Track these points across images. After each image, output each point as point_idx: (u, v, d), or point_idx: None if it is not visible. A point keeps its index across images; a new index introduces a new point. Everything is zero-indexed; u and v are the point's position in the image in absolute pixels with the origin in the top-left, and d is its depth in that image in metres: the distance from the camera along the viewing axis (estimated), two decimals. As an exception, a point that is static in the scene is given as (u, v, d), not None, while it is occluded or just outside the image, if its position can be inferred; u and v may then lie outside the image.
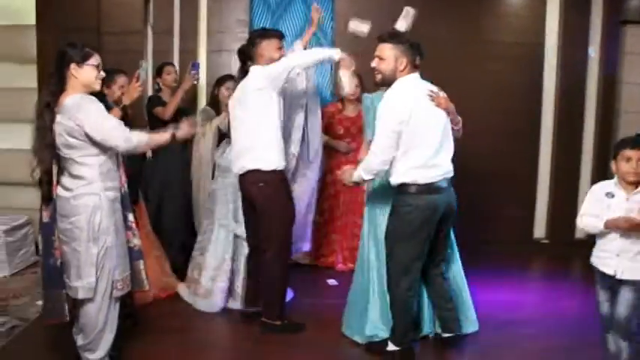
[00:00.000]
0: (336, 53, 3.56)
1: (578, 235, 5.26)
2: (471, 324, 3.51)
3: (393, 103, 3.09)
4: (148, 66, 4.70)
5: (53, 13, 4.82)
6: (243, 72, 3.74)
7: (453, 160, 3.21)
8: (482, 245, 5.25)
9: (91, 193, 2.76)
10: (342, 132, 4.82)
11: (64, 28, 4.63)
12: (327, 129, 4.78)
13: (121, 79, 3.68)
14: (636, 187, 2.75)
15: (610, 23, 5.48)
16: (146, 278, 3.09)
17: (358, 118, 4.66)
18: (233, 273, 3.98)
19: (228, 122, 3.90)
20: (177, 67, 4.86)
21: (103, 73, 2.88)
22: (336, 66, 3.59)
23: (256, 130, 3.51)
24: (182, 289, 4.13)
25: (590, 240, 2.92)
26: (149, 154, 3.57)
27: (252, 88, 3.51)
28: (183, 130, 3.03)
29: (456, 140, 3.24)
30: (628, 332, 2.79)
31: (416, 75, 3.20)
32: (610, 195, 2.79)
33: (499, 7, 5.57)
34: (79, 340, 2.91)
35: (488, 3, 5.58)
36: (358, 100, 4.54)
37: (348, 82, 3.74)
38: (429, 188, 3.10)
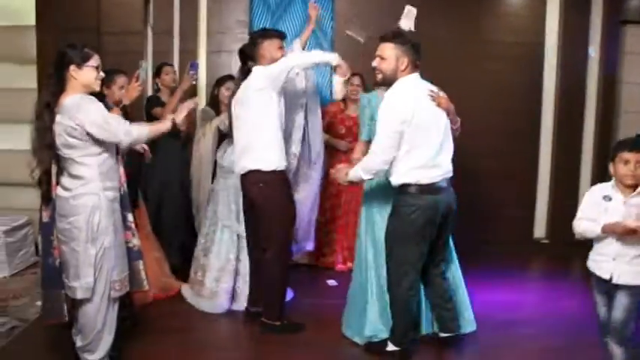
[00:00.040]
0: (334, 59, 3.55)
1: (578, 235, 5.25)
2: (468, 324, 3.50)
3: (395, 103, 3.09)
4: (147, 66, 4.70)
5: (53, 14, 4.82)
6: (244, 72, 3.74)
7: (453, 160, 3.21)
8: (483, 245, 5.25)
9: (90, 193, 2.77)
10: (344, 131, 4.82)
11: (64, 29, 4.64)
12: (329, 128, 4.80)
13: (121, 80, 3.68)
14: (634, 189, 2.71)
15: (610, 23, 5.48)
16: (146, 278, 3.09)
17: (360, 117, 4.67)
18: (236, 273, 3.98)
19: (229, 122, 3.90)
20: (177, 68, 4.86)
21: (102, 74, 2.89)
22: (333, 69, 3.58)
23: (257, 131, 3.51)
24: (185, 290, 4.13)
25: (590, 241, 2.90)
26: (148, 156, 3.56)
27: (253, 88, 3.52)
28: (181, 112, 3.02)
29: (455, 140, 3.24)
30: (623, 338, 2.76)
31: (416, 75, 3.19)
32: (607, 198, 2.74)
33: (499, 6, 5.57)
34: (78, 341, 2.90)
35: (488, 3, 5.58)
36: None
37: (339, 90, 3.77)
38: (430, 188, 3.10)
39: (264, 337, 3.57)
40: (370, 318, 3.41)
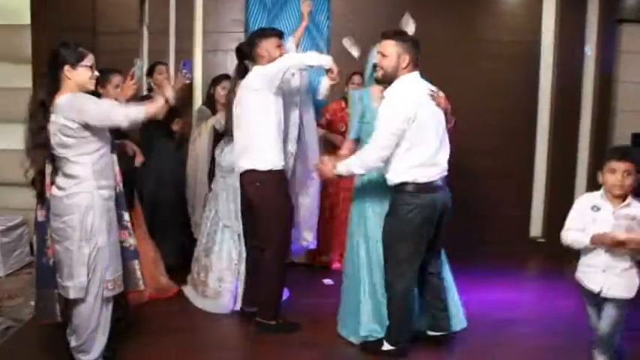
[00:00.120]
0: (327, 62, 3.53)
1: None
2: (459, 322, 3.49)
3: (398, 101, 3.09)
4: (142, 64, 4.69)
5: (48, 13, 4.79)
6: (240, 70, 3.74)
7: (449, 159, 3.21)
8: (479, 244, 5.26)
9: (84, 192, 2.76)
10: (345, 129, 4.80)
11: (60, 28, 4.61)
12: (330, 126, 4.81)
13: (116, 79, 3.67)
14: (623, 200, 2.67)
15: (606, 22, 5.47)
16: (141, 278, 3.08)
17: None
18: (238, 273, 3.97)
19: (226, 121, 3.91)
20: (173, 67, 4.85)
21: (97, 73, 2.89)
22: (325, 71, 3.58)
23: (254, 130, 3.52)
24: (189, 291, 4.12)
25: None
26: (139, 160, 3.55)
27: (250, 88, 3.52)
28: (167, 88, 3.01)
29: (451, 139, 3.24)
30: (609, 348, 2.75)
31: (417, 73, 3.19)
32: (596, 208, 2.70)
33: (495, 5, 5.57)
34: (73, 341, 2.89)
35: (484, 1, 5.58)
36: None
37: (323, 91, 3.80)
38: (428, 187, 3.10)
39: (260, 337, 3.56)
40: (364, 318, 3.40)
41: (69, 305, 2.87)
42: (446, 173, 3.19)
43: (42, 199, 2.84)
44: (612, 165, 2.67)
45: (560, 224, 2.86)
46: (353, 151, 3.41)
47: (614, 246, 2.60)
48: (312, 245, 4.27)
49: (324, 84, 3.76)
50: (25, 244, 4.87)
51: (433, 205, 3.12)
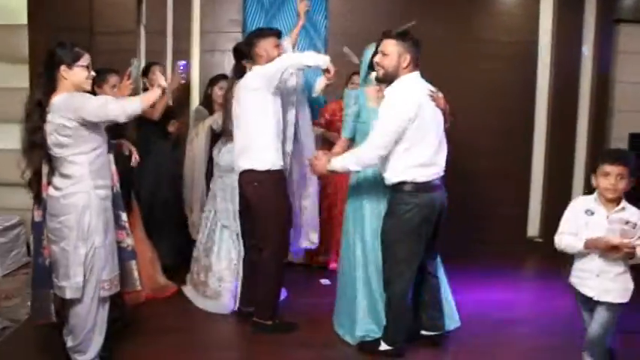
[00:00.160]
0: (324, 62, 3.53)
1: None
2: (453, 321, 3.48)
3: (399, 100, 3.08)
4: (139, 64, 4.69)
5: (45, 13, 4.78)
6: (238, 70, 3.74)
7: (446, 159, 3.21)
8: (476, 244, 5.26)
9: (81, 192, 2.76)
10: None
11: (56, 28, 4.60)
12: (329, 125, 4.81)
13: (113, 79, 3.67)
14: (617, 204, 2.64)
15: (603, 22, 5.48)
16: (138, 279, 3.08)
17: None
18: (237, 272, 3.96)
19: (223, 122, 3.90)
20: (170, 68, 4.85)
21: (93, 73, 2.88)
22: (322, 71, 3.59)
23: (252, 130, 3.52)
24: (189, 291, 4.12)
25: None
26: (135, 159, 3.55)
27: (249, 88, 3.52)
28: (162, 79, 2.99)
29: (448, 139, 3.24)
30: (598, 351, 2.73)
31: (417, 73, 3.19)
32: (589, 212, 2.67)
33: (493, 5, 5.57)
34: (69, 342, 2.89)
35: (481, 1, 5.58)
36: None
37: (318, 89, 3.79)
38: (426, 186, 3.10)
39: (256, 336, 3.56)
40: (360, 318, 3.40)
41: (65, 305, 2.86)
42: (443, 173, 3.19)
43: (39, 199, 2.83)
44: (605, 168, 2.63)
45: (558, 224, 2.85)
46: (346, 149, 3.40)
47: (608, 251, 2.57)
48: (314, 245, 4.28)
49: (320, 83, 3.75)
50: (22, 244, 4.86)
51: (431, 204, 3.12)
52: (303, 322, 3.70)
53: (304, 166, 3.94)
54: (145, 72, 4.66)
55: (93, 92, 3.14)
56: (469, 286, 4.26)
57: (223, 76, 4.56)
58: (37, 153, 2.76)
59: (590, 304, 2.73)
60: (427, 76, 3.26)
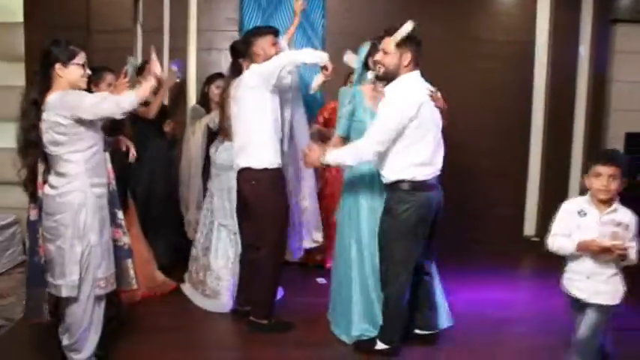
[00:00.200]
0: (322, 59, 3.53)
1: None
2: (446, 320, 3.48)
3: (400, 99, 3.07)
4: (136, 62, 4.68)
5: (41, 11, 4.79)
6: (235, 68, 3.73)
7: (443, 159, 3.21)
8: (473, 243, 5.27)
9: (76, 190, 2.74)
10: None
11: (53, 26, 4.60)
12: (328, 125, 4.80)
13: (109, 77, 3.66)
14: (609, 205, 2.62)
15: (600, 22, 5.49)
16: (134, 277, 3.07)
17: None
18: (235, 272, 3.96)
19: (220, 120, 3.89)
20: (166, 66, 4.83)
21: (88, 71, 2.87)
22: (320, 68, 3.58)
23: (250, 128, 3.51)
24: (188, 289, 4.12)
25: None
26: (132, 155, 3.54)
27: (246, 86, 3.52)
28: (157, 67, 2.95)
29: (445, 138, 3.24)
30: (588, 354, 2.70)
31: (418, 72, 3.18)
32: (582, 213, 2.65)
33: (490, 5, 5.57)
34: (65, 340, 2.88)
35: (478, 1, 5.58)
36: None
37: (315, 85, 3.80)
38: (423, 185, 3.10)
39: (252, 336, 3.56)
40: (355, 317, 3.40)
41: (61, 304, 2.86)
42: (439, 172, 3.19)
43: (34, 197, 2.82)
44: (597, 169, 2.62)
45: (554, 224, 2.85)
46: (340, 147, 3.39)
47: (600, 253, 2.56)
48: (319, 244, 4.28)
49: (318, 80, 3.75)
50: (17, 243, 4.86)
51: (428, 203, 3.12)
52: (299, 321, 3.70)
53: (299, 162, 3.94)
54: (141, 70, 4.64)
55: (89, 90, 3.13)
56: (466, 285, 4.26)
57: (220, 75, 4.55)
58: (33, 151, 2.75)
59: (581, 305, 2.72)
60: (425, 76, 3.25)
